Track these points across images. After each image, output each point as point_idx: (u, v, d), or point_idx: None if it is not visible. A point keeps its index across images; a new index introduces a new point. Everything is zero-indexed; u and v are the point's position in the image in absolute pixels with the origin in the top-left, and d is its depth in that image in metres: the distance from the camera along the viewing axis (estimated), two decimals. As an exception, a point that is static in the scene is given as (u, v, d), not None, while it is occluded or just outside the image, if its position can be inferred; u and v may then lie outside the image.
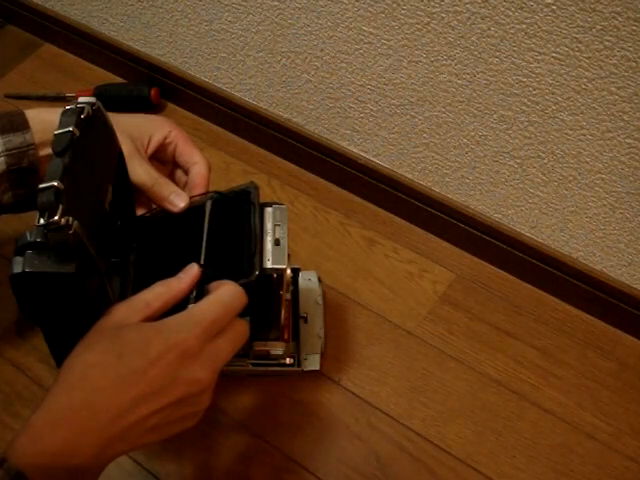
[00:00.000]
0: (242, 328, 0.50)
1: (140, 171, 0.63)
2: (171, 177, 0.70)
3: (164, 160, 0.69)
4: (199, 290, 0.52)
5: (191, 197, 0.66)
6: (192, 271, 0.52)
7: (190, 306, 0.51)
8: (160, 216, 0.67)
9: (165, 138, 0.66)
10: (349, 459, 0.70)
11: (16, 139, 0.60)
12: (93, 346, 0.46)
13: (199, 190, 0.66)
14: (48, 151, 0.59)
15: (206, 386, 0.47)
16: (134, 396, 0.44)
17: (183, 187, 0.69)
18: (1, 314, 0.78)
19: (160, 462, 0.69)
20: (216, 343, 0.48)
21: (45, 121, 0.61)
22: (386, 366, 0.76)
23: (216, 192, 0.65)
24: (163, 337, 0.45)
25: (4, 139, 0.59)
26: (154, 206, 0.67)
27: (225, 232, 0.63)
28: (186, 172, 0.68)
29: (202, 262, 0.57)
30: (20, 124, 0.60)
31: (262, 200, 0.65)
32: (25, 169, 0.61)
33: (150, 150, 0.66)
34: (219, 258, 0.62)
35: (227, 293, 0.50)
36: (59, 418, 0.43)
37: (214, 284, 0.52)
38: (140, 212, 0.68)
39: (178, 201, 0.65)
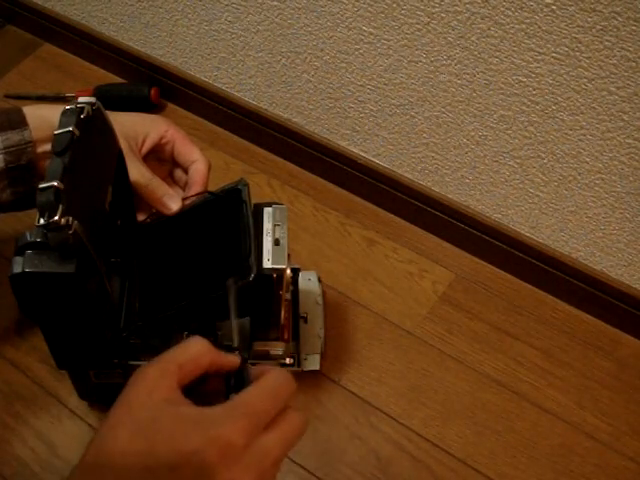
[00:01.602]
0: (297, 421, 0.42)
1: (133, 170, 0.63)
2: (171, 176, 0.70)
3: (163, 159, 0.69)
4: (238, 378, 0.45)
5: (184, 199, 0.66)
6: (233, 358, 0.45)
7: (232, 395, 0.43)
8: (159, 222, 0.67)
9: (161, 138, 0.66)
10: (349, 459, 0.70)
11: (14, 137, 0.60)
12: (120, 428, 0.39)
13: (198, 188, 0.66)
14: (46, 148, 0.59)
15: None
16: None
17: (183, 186, 0.69)
18: (1, 314, 0.78)
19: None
20: (265, 439, 0.39)
21: (43, 118, 0.61)
22: (386, 366, 0.76)
23: (209, 193, 0.65)
24: (202, 429, 0.38)
25: (2, 137, 0.59)
26: (154, 210, 0.67)
27: (221, 233, 0.63)
28: (185, 171, 0.68)
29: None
30: (18, 121, 0.60)
31: (262, 200, 0.65)
32: (24, 166, 0.61)
33: (145, 150, 0.66)
34: (217, 260, 0.63)
35: (275, 379, 0.42)
36: None
37: (257, 369, 0.44)
38: (140, 217, 0.68)
39: (171, 203, 0.65)
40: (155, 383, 0.41)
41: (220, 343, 0.69)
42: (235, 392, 0.43)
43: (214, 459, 0.37)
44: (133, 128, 0.65)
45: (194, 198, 0.66)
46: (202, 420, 0.39)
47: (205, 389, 0.44)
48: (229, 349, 0.47)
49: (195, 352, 0.43)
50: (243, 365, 0.45)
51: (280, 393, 0.42)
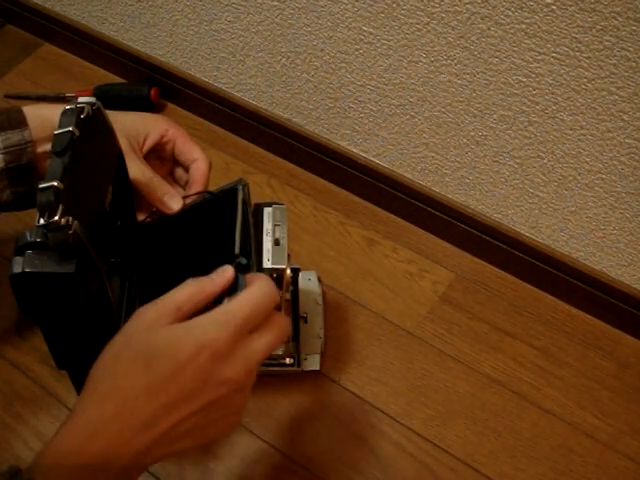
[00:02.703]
0: (281, 323, 0.47)
1: (134, 169, 0.63)
2: (172, 175, 0.70)
3: (163, 158, 0.69)
4: (232, 286, 0.49)
5: (185, 198, 0.66)
6: (226, 274, 0.49)
7: (221, 305, 0.47)
8: (159, 222, 0.67)
9: (162, 137, 0.66)
10: (349, 459, 0.70)
11: (14, 136, 0.60)
12: (121, 354, 0.44)
13: (199, 187, 0.66)
14: (46, 147, 0.59)
15: (239, 387, 0.44)
16: (165, 403, 0.42)
17: (184, 185, 0.69)
18: (1, 314, 0.78)
19: (160, 463, 0.69)
20: (249, 341, 0.45)
21: (43, 117, 0.61)
22: (386, 366, 0.76)
23: (209, 192, 0.65)
24: (192, 339, 0.43)
25: (2, 137, 0.59)
26: (154, 209, 0.67)
27: (221, 233, 0.63)
28: (186, 170, 0.68)
29: (237, 251, 0.55)
30: (18, 121, 0.60)
31: (262, 200, 0.65)
32: (24, 166, 0.61)
33: (146, 149, 0.66)
34: (217, 260, 0.63)
35: (260, 288, 0.47)
36: (90, 434, 0.42)
37: (249, 277, 0.49)
38: (140, 216, 0.68)
39: (172, 203, 0.65)
40: (152, 321, 0.45)
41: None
42: (228, 297, 0.48)
43: (206, 363, 0.42)
44: (134, 127, 0.65)
45: (195, 197, 0.66)
46: (191, 331, 0.43)
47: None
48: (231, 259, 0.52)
49: (191, 291, 0.46)
50: (239, 277, 0.49)
51: (264, 301, 0.46)
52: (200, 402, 0.43)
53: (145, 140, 0.65)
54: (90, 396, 0.43)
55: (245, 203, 0.62)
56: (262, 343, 0.45)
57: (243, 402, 0.46)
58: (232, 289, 0.49)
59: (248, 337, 0.45)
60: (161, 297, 0.47)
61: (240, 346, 0.44)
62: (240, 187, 0.63)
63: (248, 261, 0.60)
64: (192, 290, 0.47)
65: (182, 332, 0.44)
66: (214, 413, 0.44)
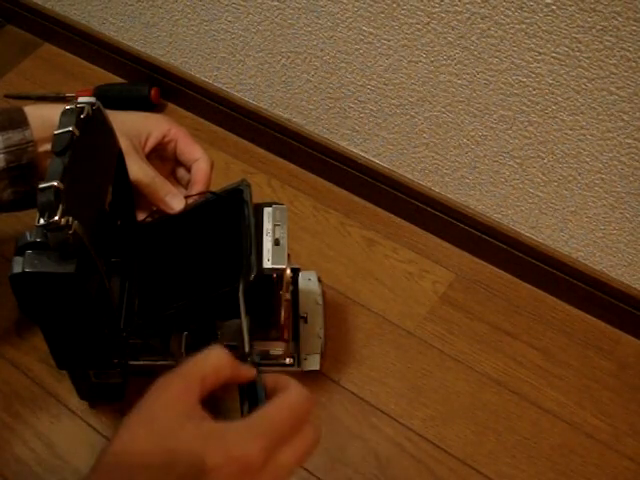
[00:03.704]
0: (312, 435, 0.43)
1: (136, 169, 0.63)
2: (173, 175, 0.70)
3: (165, 158, 0.69)
4: (251, 387, 0.47)
5: (186, 198, 0.66)
6: (251, 371, 0.46)
7: (253, 411, 0.44)
8: (159, 221, 0.67)
9: (164, 136, 0.66)
10: (349, 459, 0.70)
11: (15, 136, 0.60)
12: (141, 441, 0.40)
13: (200, 187, 0.66)
14: (47, 147, 0.59)
15: None
16: None
17: (186, 185, 0.69)
18: (1, 314, 0.78)
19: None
20: (281, 455, 0.41)
21: (44, 117, 0.61)
22: (386, 366, 0.76)
23: (211, 192, 0.65)
24: (223, 449, 0.39)
25: (3, 136, 0.59)
26: (154, 208, 0.67)
27: (222, 233, 0.63)
28: (188, 170, 0.68)
29: (246, 350, 0.53)
30: (19, 121, 0.60)
31: (262, 200, 0.65)
32: (24, 166, 0.61)
33: (147, 148, 0.66)
34: (217, 260, 0.63)
35: (296, 398, 0.43)
36: None
37: (270, 379, 0.46)
38: (141, 216, 0.68)
39: (174, 203, 0.65)
40: (177, 397, 0.42)
41: (220, 343, 0.69)
42: (249, 402, 0.45)
43: (233, 477, 0.39)
44: (136, 127, 0.65)
45: (196, 197, 0.66)
46: (223, 437, 0.40)
47: (217, 393, 0.45)
48: (242, 357, 0.48)
49: (217, 365, 0.44)
50: (258, 377, 0.46)
51: (300, 412, 0.43)
52: None
53: (147, 140, 0.65)
54: (99, 475, 0.40)
55: (247, 204, 0.62)
56: (292, 458, 0.42)
57: None
58: (251, 393, 0.46)
59: (279, 451, 0.41)
60: (185, 365, 0.43)
61: (271, 461, 0.41)
62: (244, 188, 0.63)
63: (267, 283, 0.59)
64: (218, 363, 0.44)
65: (213, 437, 0.40)
66: None
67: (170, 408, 0.41)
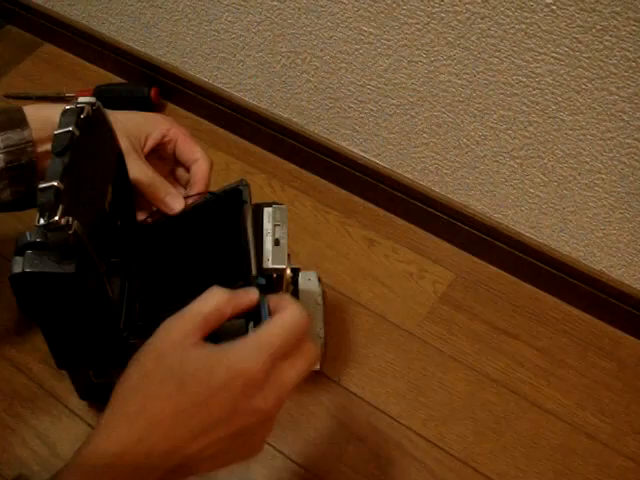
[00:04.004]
0: (311, 352, 0.46)
1: (136, 169, 0.63)
2: (173, 175, 0.70)
3: (165, 158, 0.69)
4: (256, 310, 0.49)
5: (186, 198, 0.66)
6: (251, 295, 0.48)
7: (253, 330, 0.47)
8: (159, 222, 0.67)
9: (163, 136, 0.66)
10: (349, 459, 0.70)
11: (14, 136, 0.60)
12: (151, 374, 0.43)
13: (200, 187, 0.66)
14: (47, 147, 0.59)
15: (267, 416, 0.44)
16: (193, 428, 0.41)
17: (185, 185, 0.69)
18: (1, 314, 0.78)
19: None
20: (281, 370, 0.44)
21: (43, 117, 0.61)
22: (386, 366, 0.76)
23: (210, 193, 0.65)
24: (226, 365, 0.42)
25: (2, 136, 0.59)
26: (154, 208, 0.67)
27: (221, 233, 0.63)
28: (187, 170, 0.68)
29: (254, 273, 0.54)
30: (18, 121, 0.60)
31: (262, 200, 0.65)
32: (24, 166, 0.61)
33: (147, 148, 0.66)
34: (217, 260, 0.63)
35: (293, 316, 0.45)
36: (116, 454, 0.41)
37: (274, 300, 0.48)
38: (141, 216, 0.68)
39: (174, 203, 0.65)
40: (183, 337, 0.44)
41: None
42: (253, 322, 0.48)
43: (238, 392, 0.42)
44: (135, 127, 0.65)
45: (196, 198, 0.66)
46: (226, 356, 0.43)
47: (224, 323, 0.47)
48: (247, 278, 0.53)
49: (217, 304, 0.46)
50: (261, 299, 0.48)
51: (297, 329, 0.45)
52: (228, 430, 0.42)
53: (146, 140, 0.65)
54: (117, 414, 0.42)
55: (247, 204, 0.62)
56: (293, 374, 0.44)
57: (269, 430, 0.45)
58: (255, 312, 0.48)
59: (280, 367, 0.44)
60: (187, 307, 0.46)
61: (272, 376, 0.43)
62: (243, 188, 0.63)
63: (267, 282, 0.60)
64: (219, 301, 0.46)
65: (215, 356, 0.43)
66: (239, 440, 0.44)
67: (176, 345, 0.43)
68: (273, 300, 0.48)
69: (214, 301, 0.46)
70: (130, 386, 0.43)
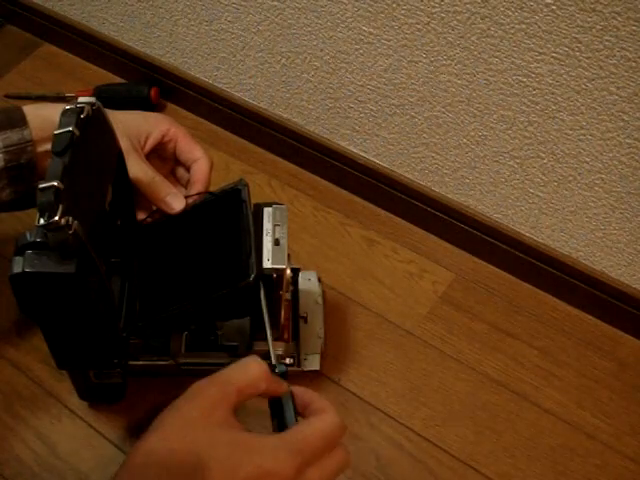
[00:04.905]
0: (342, 458, 0.45)
1: (136, 169, 0.63)
2: (173, 174, 0.70)
3: (165, 158, 0.69)
4: (280, 402, 0.48)
5: (186, 197, 0.66)
6: (284, 386, 0.48)
7: (289, 430, 0.45)
8: (159, 222, 0.67)
9: (163, 136, 0.66)
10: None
11: (14, 136, 0.60)
12: (175, 442, 0.41)
13: (200, 186, 0.66)
14: (46, 147, 0.59)
15: None
16: None
17: (185, 184, 0.69)
18: (1, 314, 0.78)
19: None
20: (310, 474, 0.42)
21: (43, 117, 0.61)
22: (386, 366, 0.76)
23: (209, 193, 0.66)
24: (257, 463, 0.40)
25: (2, 136, 0.59)
26: (154, 208, 0.67)
27: (221, 233, 0.63)
28: (188, 169, 0.68)
29: (273, 361, 0.53)
30: (18, 120, 0.60)
31: (262, 200, 0.65)
32: (23, 166, 0.61)
33: (147, 148, 0.66)
34: (217, 260, 0.63)
35: (331, 424, 0.44)
36: None
37: (308, 395, 0.47)
38: (140, 216, 0.68)
39: (174, 203, 0.65)
40: (213, 405, 0.42)
41: (220, 343, 0.69)
42: (278, 418, 0.47)
43: None
44: (136, 126, 0.65)
45: (195, 198, 0.66)
46: (258, 450, 0.41)
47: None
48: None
49: (254, 377, 0.45)
50: (290, 392, 0.48)
51: (334, 437, 0.44)
52: None
53: (147, 139, 0.65)
54: (134, 468, 0.40)
55: (246, 204, 0.62)
56: (323, 476, 0.43)
57: None
58: (279, 408, 0.48)
59: (310, 472, 0.42)
60: (222, 372, 0.44)
61: (301, 477, 0.42)
62: (242, 187, 0.63)
63: (267, 282, 0.59)
64: (257, 376, 0.45)
65: (247, 448, 0.41)
66: None
67: (205, 415, 0.42)
68: (307, 395, 0.47)
69: (251, 373, 0.45)
70: (150, 449, 0.41)
